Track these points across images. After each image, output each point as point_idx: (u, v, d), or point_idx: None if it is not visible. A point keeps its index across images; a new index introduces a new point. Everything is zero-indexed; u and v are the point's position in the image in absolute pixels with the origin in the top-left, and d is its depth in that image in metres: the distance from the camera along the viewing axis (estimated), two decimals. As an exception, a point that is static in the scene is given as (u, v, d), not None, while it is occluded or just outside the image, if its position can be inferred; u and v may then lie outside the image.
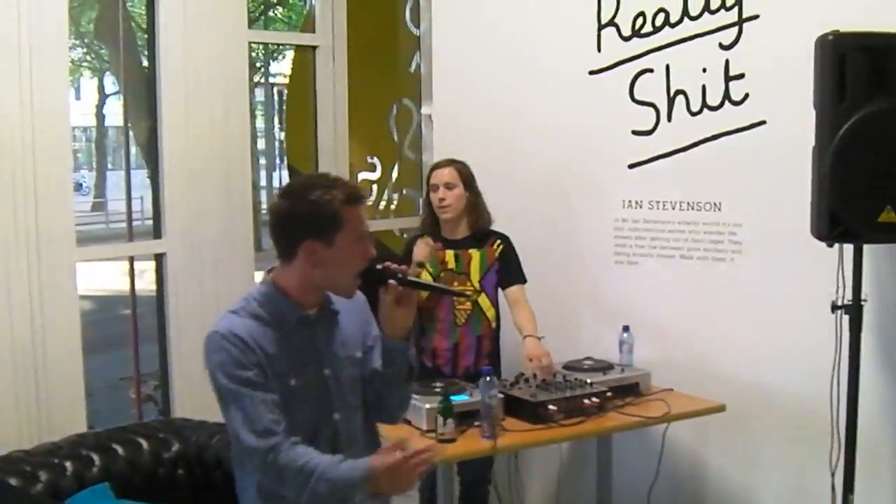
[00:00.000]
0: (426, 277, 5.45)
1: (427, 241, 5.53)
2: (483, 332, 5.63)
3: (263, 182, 25.52)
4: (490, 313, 5.64)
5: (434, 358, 5.64)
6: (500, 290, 5.66)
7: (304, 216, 3.22)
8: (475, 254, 5.60)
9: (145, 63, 7.17)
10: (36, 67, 5.45)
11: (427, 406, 4.66)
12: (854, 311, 4.55)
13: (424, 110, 7.02)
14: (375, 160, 7.68)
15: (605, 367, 5.34)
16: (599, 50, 5.73)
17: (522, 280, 5.65)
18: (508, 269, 5.65)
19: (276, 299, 3.32)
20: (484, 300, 5.61)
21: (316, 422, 3.36)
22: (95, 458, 5.30)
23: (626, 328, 5.45)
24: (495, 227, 5.69)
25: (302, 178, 3.22)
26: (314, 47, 7.07)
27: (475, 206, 5.61)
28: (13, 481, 5.06)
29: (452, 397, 4.62)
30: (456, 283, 5.52)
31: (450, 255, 5.60)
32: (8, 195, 5.34)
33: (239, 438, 3.21)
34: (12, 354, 5.28)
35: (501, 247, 5.65)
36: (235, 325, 3.25)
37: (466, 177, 5.60)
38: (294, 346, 3.32)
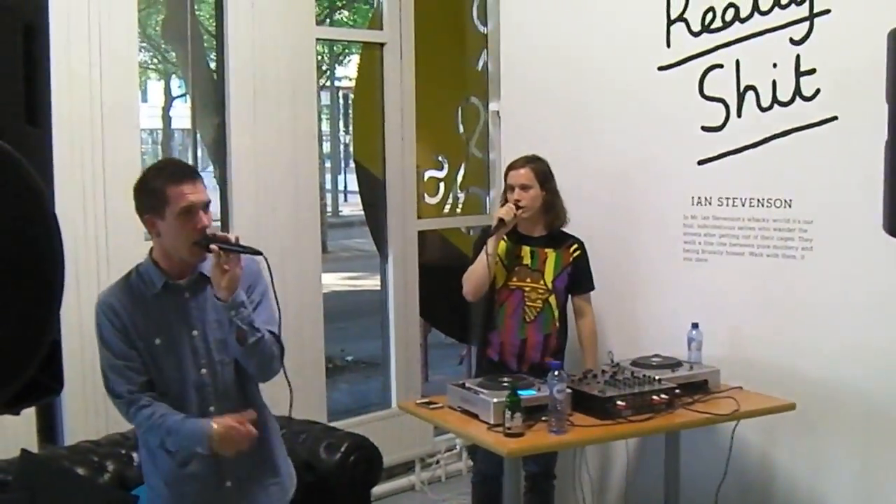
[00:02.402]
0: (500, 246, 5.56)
1: (510, 206, 5.50)
2: (551, 330, 5.64)
3: (329, 185, 25.62)
4: (558, 313, 5.66)
5: (501, 353, 5.65)
6: (569, 295, 5.71)
7: (141, 196, 3.77)
8: (551, 254, 5.63)
9: (212, 65, 7.22)
10: (106, 70, 5.53)
11: (494, 400, 4.66)
12: (927, 308, 4.50)
13: (492, 107, 7.02)
14: (442, 158, 7.69)
15: (674, 364, 5.30)
16: (669, 45, 5.69)
17: (591, 288, 5.74)
18: (579, 277, 5.71)
19: (149, 269, 3.83)
20: (553, 300, 5.63)
21: (184, 375, 3.82)
22: (163, 449, 5.35)
23: (694, 325, 5.40)
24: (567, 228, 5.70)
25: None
26: (382, 44, 7.10)
27: (552, 205, 5.63)
28: (81, 471, 5.13)
29: (520, 392, 4.60)
30: (529, 280, 5.61)
31: (526, 251, 5.62)
32: (78, 194, 5.41)
33: (106, 381, 3.78)
34: (81, 349, 5.33)
35: (578, 252, 5.69)
36: (111, 294, 3.82)
37: (543, 176, 5.60)
38: (160, 310, 3.80)
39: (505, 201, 5.61)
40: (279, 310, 3.87)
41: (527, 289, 5.61)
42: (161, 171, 3.80)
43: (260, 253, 3.77)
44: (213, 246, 3.69)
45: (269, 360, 3.87)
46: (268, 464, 4.03)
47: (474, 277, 5.56)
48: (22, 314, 2.21)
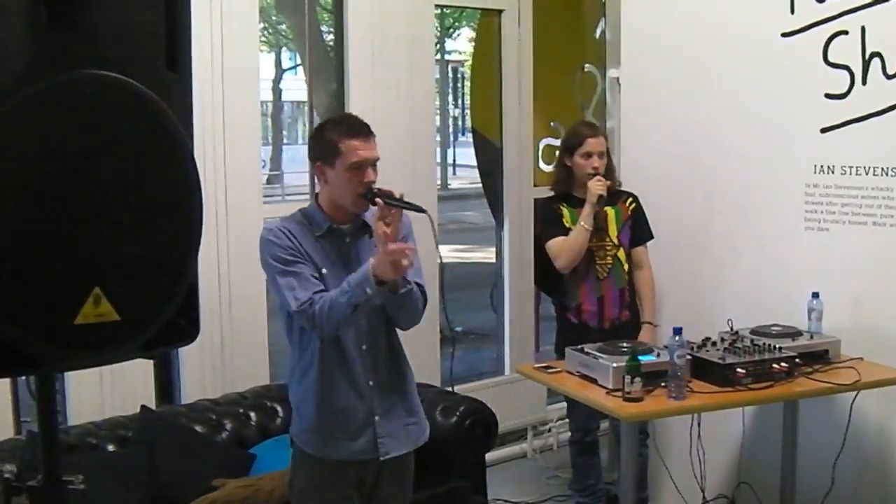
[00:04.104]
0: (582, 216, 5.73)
1: (601, 179, 5.70)
2: (623, 284, 5.92)
3: (438, 158, 25.71)
4: (627, 266, 5.93)
5: (580, 313, 5.88)
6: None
7: (316, 145, 4.03)
8: (610, 211, 5.85)
9: (325, 37, 7.25)
10: (227, 41, 5.61)
11: (614, 365, 4.68)
12: None
13: (612, 73, 6.99)
14: (558, 126, 7.67)
15: (794, 333, 5.25)
16: (793, 12, 5.60)
17: (648, 238, 6.01)
18: (638, 229, 5.97)
19: (314, 211, 4.08)
20: (622, 253, 5.90)
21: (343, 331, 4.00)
22: (279, 409, 5.45)
23: (815, 295, 5.34)
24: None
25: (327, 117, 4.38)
26: (500, 11, 7.10)
27: (609, 169, 5.87)
28: (199, 428, 5.23)
29: (640, 357, 4.61)
30: (595, 239, 5.81)
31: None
32: (198, 158, 5.49)
33: (286, 304, 3.92)
34: (200, 309, 5.41)
35: (634, 205, 5.95)
36: (280, 224, 4.03)
37: (607, 144, 5.90)
38: (326, 248, 4.03)
39: (562, 166, 5.92)
40: (442, 264, 4.19)
41: (595, 248, 5.82)
42: (339, 124, 4.02)
43: (424, 210, 3.88)
44: (378, 200, 3.86)
45: (414, 311, 4.04)
46: (406, 404, 4.21)
47: (575, 251, 5.77)
48: (163, 254, 2.26)
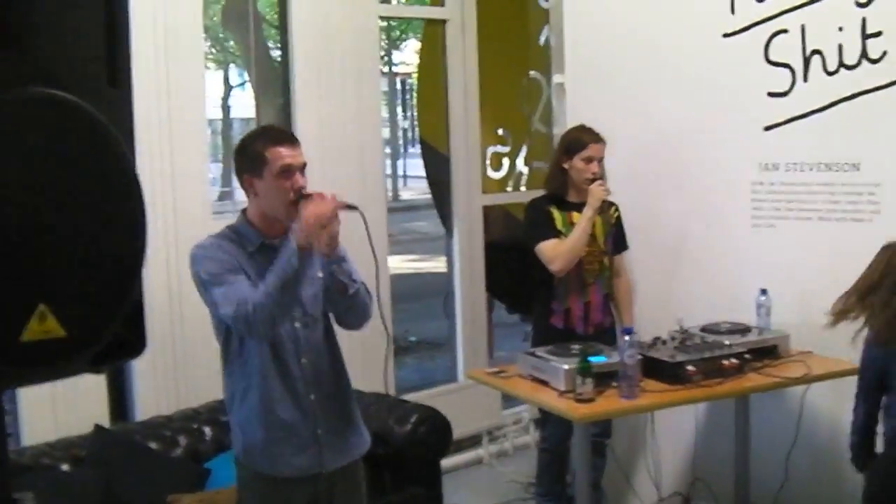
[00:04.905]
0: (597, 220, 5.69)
1: (603, 184, 5.62)
2: (609, 289, 5.85)
3: (388, 170, 25.70)
4: (610, 273, 5.85)
5: (567, 318, 5.78)
6: None
7: (242, 158, 3.93)
8: (597, 217, 5.68)
9: (272, 53, 7.26)
10: (172, 60, 5.61)
11: (565, 367, 4.70)
12: None
13: (556, 79, 7.02)
14: (506, 133, 7.71)
15: (743, 329, 5.32)
16: (733, 12, 5.67)
17: (626, 247, 5.99)
18: (619, 237, 5.93)
19: (244, 227, 3.97)
20: (607, 260, 5.81)
21: (280, 325, 3.89)
22: (233, 423, 5.43)
23: (763, 291, 5.41)
24: (626, 193, 5.88)
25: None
26: (444, 21, 7.13)
27: (602, 175, 5.72)
28: (154, 445, 5.22)
29: (591, 358, 4.64)
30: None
31: (577, 217, 5.67)
32: (145, 179, 5.48)
33: (223, 314, 3.79)
34: (150, 328, 5.39)
35: (617, 213, 5.90)
36: (211, 240, 3.93)
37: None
38: (261, 263, 3.87)
39: (558, 168, 5.77)
40: (377, 263, 3.95)
41: (583, 253, 5.69)
42: (261, 134, 3.99)
43: (356, 208, 3.84)
44: None
45: (364, 309, 4.01)
46: (347, 416, 4.17)
47: (575, 254, 5.64)
48: (107, 270, 2.25)
